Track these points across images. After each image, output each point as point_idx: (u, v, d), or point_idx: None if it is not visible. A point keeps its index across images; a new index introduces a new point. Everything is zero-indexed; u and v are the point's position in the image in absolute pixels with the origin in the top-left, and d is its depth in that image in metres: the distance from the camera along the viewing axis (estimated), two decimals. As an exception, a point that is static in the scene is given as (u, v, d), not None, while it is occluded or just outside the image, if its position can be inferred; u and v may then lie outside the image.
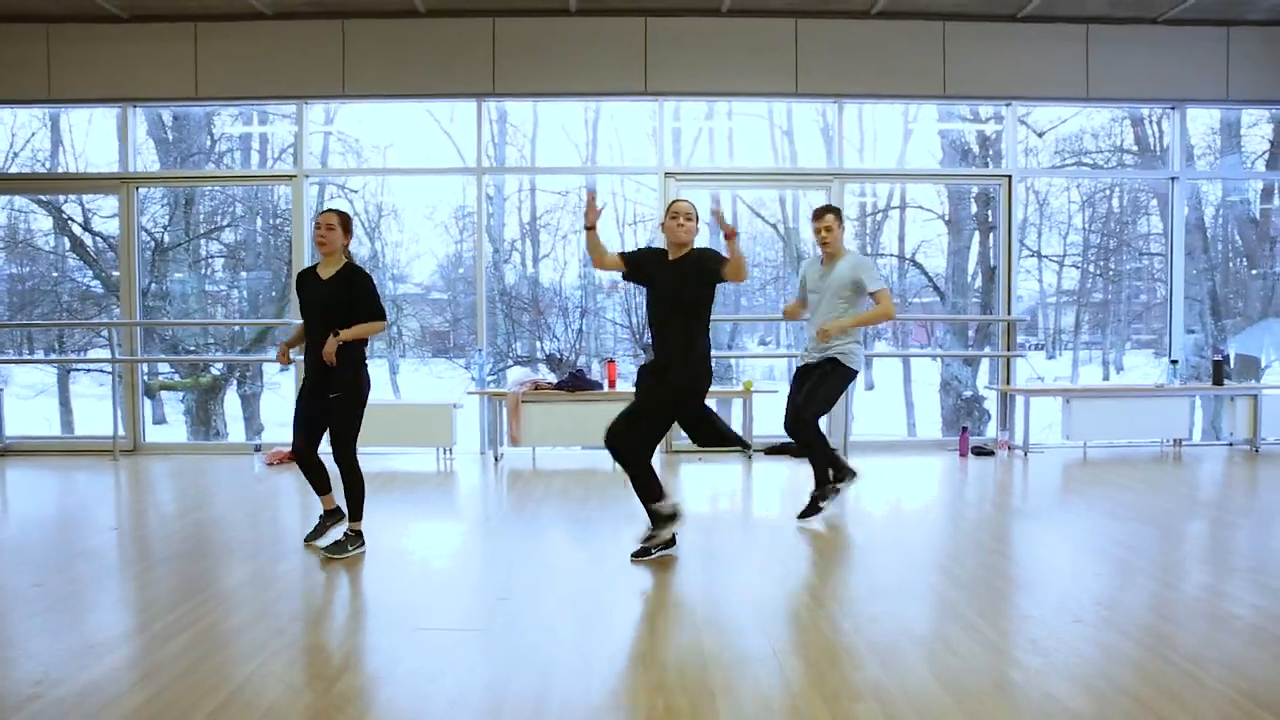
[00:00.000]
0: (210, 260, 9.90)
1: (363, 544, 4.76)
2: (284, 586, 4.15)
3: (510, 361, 9.67)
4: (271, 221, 9.58)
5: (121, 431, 8.10)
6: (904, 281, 10.06)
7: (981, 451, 7.85)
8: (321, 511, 4.99)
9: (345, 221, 4.74)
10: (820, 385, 5.22)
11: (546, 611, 3.77)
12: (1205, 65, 8.02)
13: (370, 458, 7.75)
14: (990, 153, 9.36)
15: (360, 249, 9.56)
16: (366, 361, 4.81)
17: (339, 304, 4.63)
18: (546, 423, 7.59)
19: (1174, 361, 8.13)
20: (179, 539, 5.08)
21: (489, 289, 9.41)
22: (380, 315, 4.72)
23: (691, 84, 7.94)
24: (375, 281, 4.75)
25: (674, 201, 4.64)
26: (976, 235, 9.88)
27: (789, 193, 9.60)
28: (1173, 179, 8.40)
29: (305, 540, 4.88)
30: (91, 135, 8.98)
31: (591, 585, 4.19)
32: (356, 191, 9.57)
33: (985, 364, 9.89)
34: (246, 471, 7.29)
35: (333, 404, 4.68)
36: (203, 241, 9.77)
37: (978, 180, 8.96)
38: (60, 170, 9.02)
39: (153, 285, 9.28)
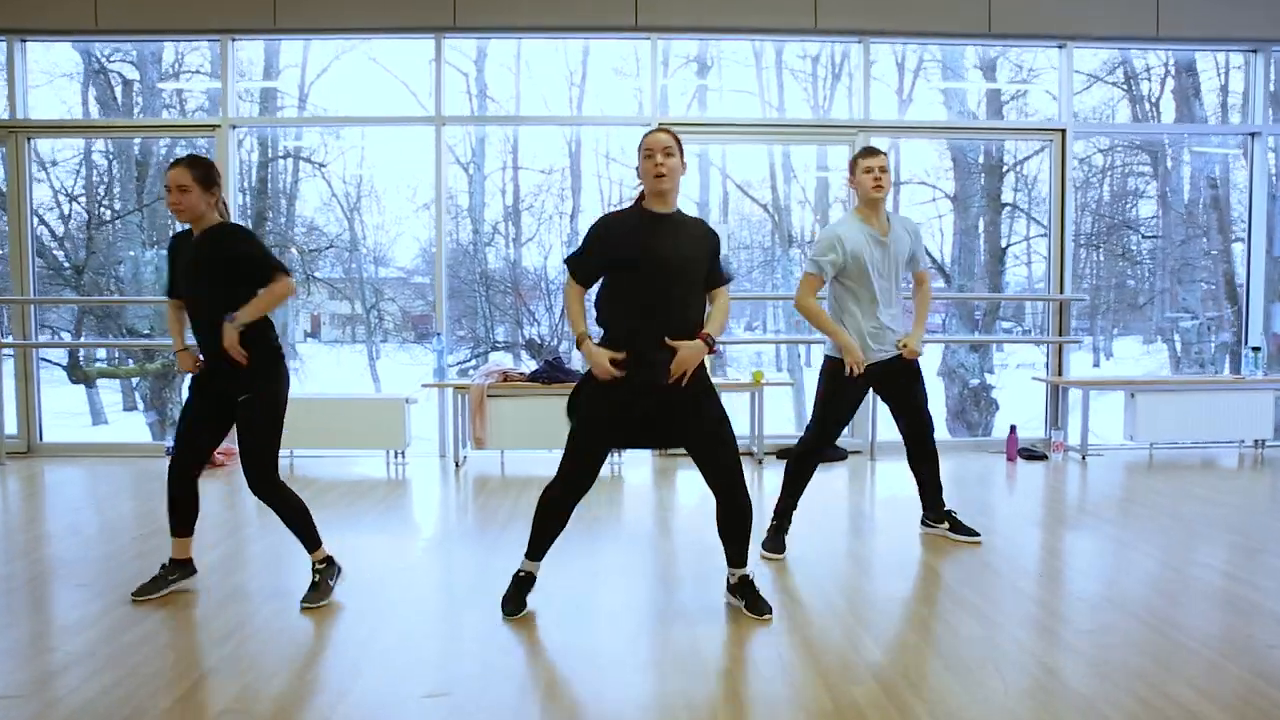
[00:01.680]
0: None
1: (338, 569, 3.69)
2: (132, 666, 2.89)
3: (486, 348, 8.62)
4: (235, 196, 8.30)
5: (12, 430, 6.81)
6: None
7: (1032, 455, 6.65)
8: (167, 560, 3.67)
9: (203, 175, 3.39)
10: (920, 388, 4.41)
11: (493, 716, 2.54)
12: (1299, -3, 6.79)
13: (305, 462, 6.56)
14: (1005, 114, 8.14)
15: (336, 228, 8.41)
16: (282, 349, 3.57)
17: (211, 272, 3.41)
18: (517, 421, 6.33)
19: (1256, 349, 6.94)
20: (28, 578, 3.82)
21: (469, 273, 8.23)
22: (280, 270, 3.43)
23: (690, 17, 6.65)
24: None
25: (648, 134, 3.28)
26: (986, 212, 8.67)
27: (778, 166, 8.30)
28: (1252, 135, 7.19)
29: (134, 596, 3.57)
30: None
31: (563, 672, 2.96)
32: (325, 166, 8.34)
33: (989, 352, 8.73)
34: (156, 479, 6.02)
35: (243, 411, 3.47)
36: (176, 223, 8.46)
37: (1026, 135, 7.66)
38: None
39: (89, 260, 7.99)
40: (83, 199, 8.24)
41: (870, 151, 4.18)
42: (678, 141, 3.26)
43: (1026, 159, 8.42)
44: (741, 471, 3.35)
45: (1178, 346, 8.53)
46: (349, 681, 2.82)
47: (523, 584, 3.46)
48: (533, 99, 7.76)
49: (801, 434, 4.38)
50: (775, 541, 4.25)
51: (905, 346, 4.25)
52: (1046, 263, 7.28)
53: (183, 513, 3.61)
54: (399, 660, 2.99)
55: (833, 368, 4.20)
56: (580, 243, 3.32)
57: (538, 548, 3.45)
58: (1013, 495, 5.69)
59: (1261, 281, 7.20)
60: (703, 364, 3.34)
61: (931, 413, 4.44)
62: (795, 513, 4.37)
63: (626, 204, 3.38)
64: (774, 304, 8.24)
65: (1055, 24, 6.78)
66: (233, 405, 3.48)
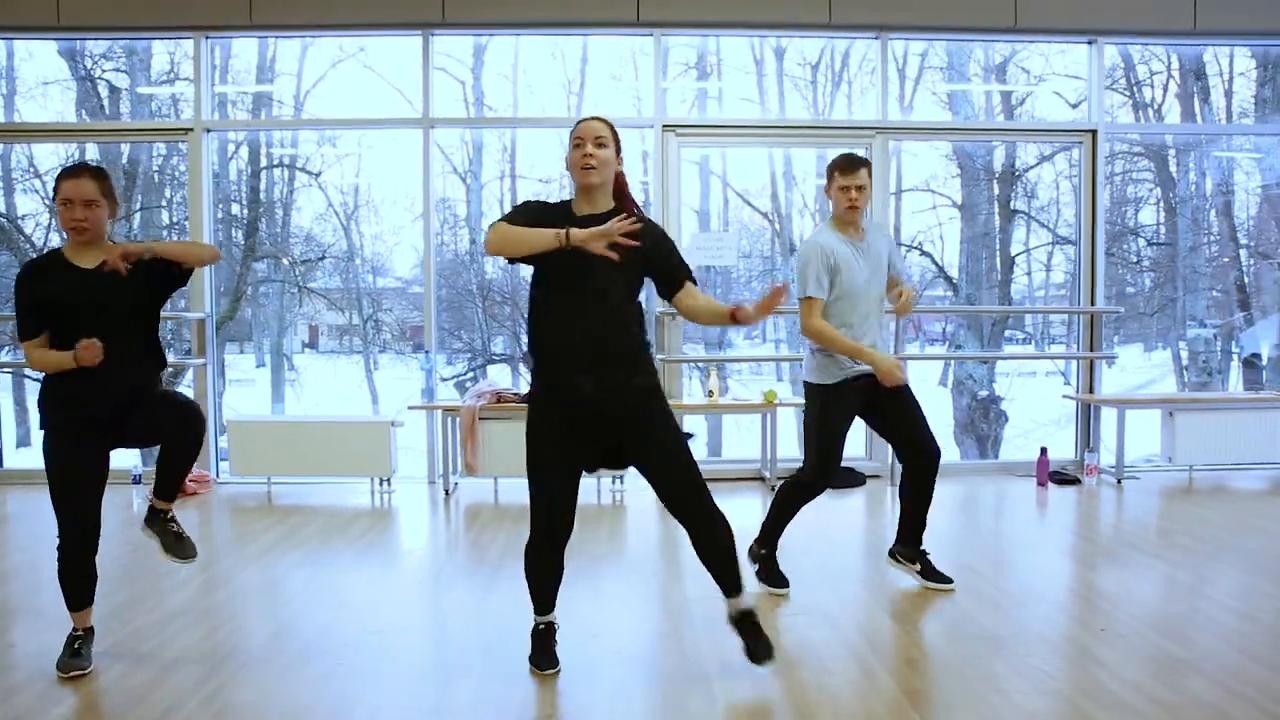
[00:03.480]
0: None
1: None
2: None
3: (484, 360, 8.38)
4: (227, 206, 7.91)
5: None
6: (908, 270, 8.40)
7: (1064, 479, 6.20)
8: (78, 629, 3.09)
9: (111, 188, 2.96)
10: (917, 406, 3.85)
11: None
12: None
13: (283, 490, 6.09)
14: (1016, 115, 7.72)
15: (332, 238, 8.06)
16: None
17: (138, 296, 2.97)
18: (511, 445, 5.83)
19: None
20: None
21: (466, 283, 7.83)
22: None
23: (695, 12, 6.22)
24: None
25: (580, 121, 2.86)
26: (997, 220, 8.25)
27: (780, 176, 7.87)
28: (1291, 135, 6.77)
29: (65, 672, 2.98)
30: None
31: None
32: (320, 175, 7.95)
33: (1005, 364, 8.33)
34: (122, 510, 5.55)
35: (152, 402, 3.02)
36: (170, 232, 8.06)
37: (1053, 137, 7.20)
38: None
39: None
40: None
41: (849, 166, 3.69)
42: (613, 132, 2.85)
43: (1032, 166, 8.00)
44: (704, 483, 2.89)
45: (1184, 355, 8.10)
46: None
47: (544, 637, 3.06)
48: (529, 105, 7.35)
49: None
50: (772, 574, 3.87)
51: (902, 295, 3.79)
52: (1074, 272, 6.84)
53: (89, 589, 3.08)
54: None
55: (819, 392, 3.78)
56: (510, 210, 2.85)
57: (542, 603, 3.05)
58: (1049, 525, 5.24)
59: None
60: (655, 373, 2.93)
61: (938, 445, 3.87)
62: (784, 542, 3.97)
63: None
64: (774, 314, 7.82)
65: (1086, 17, 6.34)
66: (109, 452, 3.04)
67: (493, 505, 5.73)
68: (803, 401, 3.93)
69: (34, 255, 7.58)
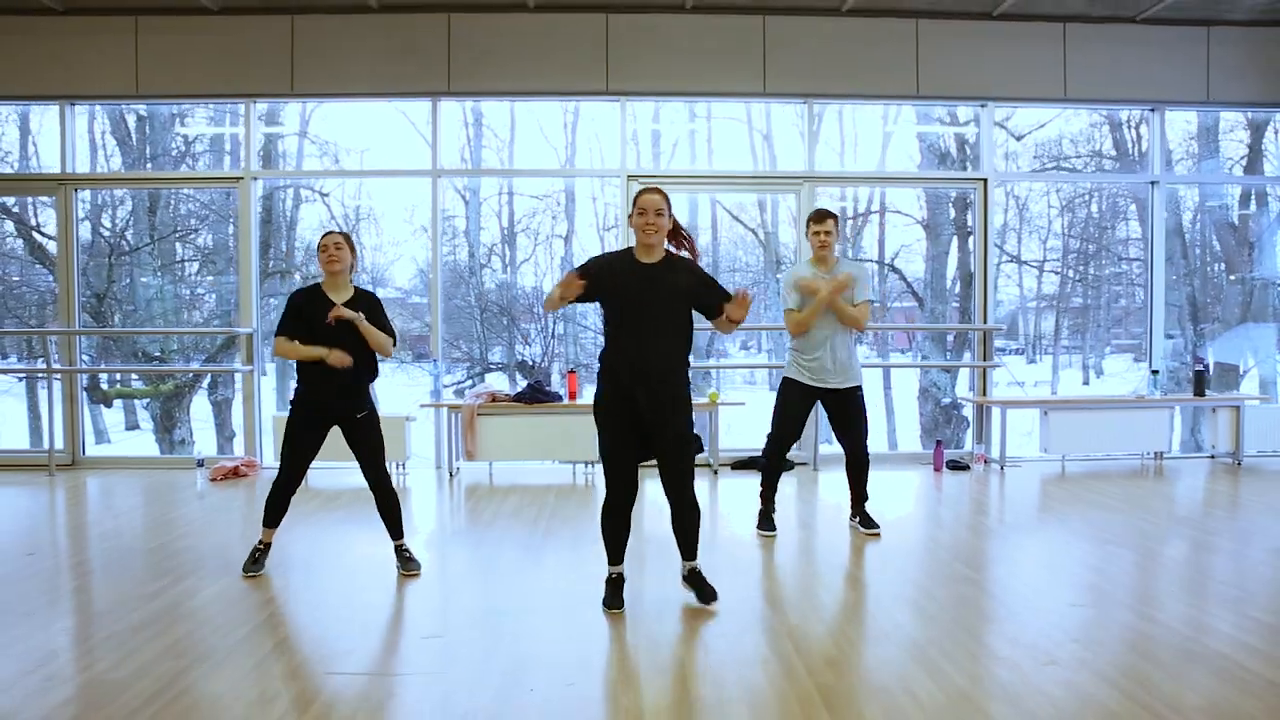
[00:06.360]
0: (183, 264, 9.46)
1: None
2: (197, 622, 3.80)
3: (482, 368, 9.42)
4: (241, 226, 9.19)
5: (60, 445, 7.70)
6: (884, 285, 9.79)
7: (957, 466, 7.57)
8: (262, 543, 4.67)
9: (350, 241, 4.76)
10: (861, 416, 5.26)
11: (477, 656, 3.45)
12: (1185, 66, 7.78)
13: (319, 473, 7.45)
14: (969, 156, 9.05)
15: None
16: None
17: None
18: (503, 436, 7.25)
19: (1155, 371, 7.87)
20: (95, 565, 4.72)
21: (464, 294, 9.09)
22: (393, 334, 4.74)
23: (654, 83, 7.63)
24: None
25: (643, 192, 3.84)
26: (955, 240, 9.62)
27: (767, 197, 9.22)
28: (1152, 183, 8.15)
29: (246, 572, 4.55)
30: (43, 134, 8.55)
31: (530, 627, 3.87)
32: (328, 194, 9.21)
33: (965, 370, 9.63)
34: (188, 488, 6.92)
35: (364, 426, 4.61)
36: (178, 246, 9.35)
37: (953, 184, 8.68)
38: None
39: (111, 289, 8.88)
40: (98, 227, 9.03)
41: (819, 217, 5.13)
42: (667, 201, 3.85)
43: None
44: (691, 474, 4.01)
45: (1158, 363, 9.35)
46: (363, 634, 3.73)
47: (615, 584, 4.05)
48: (528, 126, 8.63)
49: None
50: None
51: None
52: (973, 293, 8.21)
53: (282, 513, 4.67)
54: (405, 613, 3.90)
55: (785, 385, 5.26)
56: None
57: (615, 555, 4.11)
58: (925, 502, 6.59)
59: (1161, 312, 8.15)
60: (686, 381, 3.94)
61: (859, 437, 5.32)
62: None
63: (618, 229, 4.24)
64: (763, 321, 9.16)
65: (975, 87, 7.75)
66: (346, 425, 4.60)
67: (488, 484, 7.08)
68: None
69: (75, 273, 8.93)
